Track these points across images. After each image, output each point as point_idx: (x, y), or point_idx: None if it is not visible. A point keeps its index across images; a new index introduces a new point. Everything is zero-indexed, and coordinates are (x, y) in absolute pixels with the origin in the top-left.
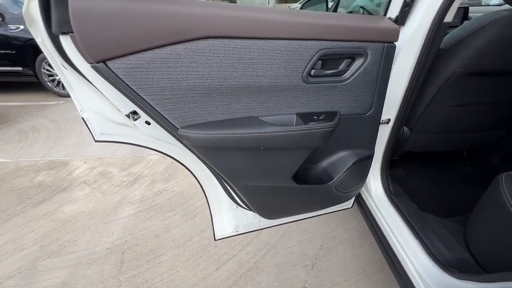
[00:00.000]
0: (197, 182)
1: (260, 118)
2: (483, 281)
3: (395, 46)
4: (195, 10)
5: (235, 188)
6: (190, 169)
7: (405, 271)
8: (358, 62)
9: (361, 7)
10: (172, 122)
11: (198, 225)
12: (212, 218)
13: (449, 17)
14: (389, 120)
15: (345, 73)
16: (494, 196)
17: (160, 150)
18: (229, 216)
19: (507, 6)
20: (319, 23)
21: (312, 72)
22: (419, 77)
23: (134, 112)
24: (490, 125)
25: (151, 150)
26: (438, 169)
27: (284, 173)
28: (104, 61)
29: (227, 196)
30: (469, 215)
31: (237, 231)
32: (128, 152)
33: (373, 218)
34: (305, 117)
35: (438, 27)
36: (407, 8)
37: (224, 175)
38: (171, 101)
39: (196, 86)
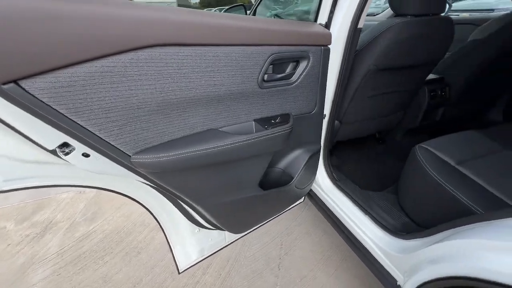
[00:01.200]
0: (138, 213)
1: (220, 129)
2: (425, 236)
3: (329, 49)
4: (142, 13)
5: (199, 209)
6: (140, 200)
7: (362, 244)
8: (303, 65)
9: (275, 15)
10: (122, 149)
11: (145, 262)
12: (172, 250)
13: (361, 24)
14: (325, 115)
15: (292, 76)
16: (414, 164)
17: (100, 187)
18: (192, 241)
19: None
20: (271, 28)
21: (265, 77)
22: (344, 76)
23: (65, 145)
24: (395, 109)
25: (61, 188)
26: (361, 151)
27: (251, 182)
28: (15, 81)
29: (188, 221)
30: (396, 184)
31: (203, 256)
32: (26, 196)
33: (325, 205)
34: (263, 122)
35: (354, 32)
36: (331, 15)
37: (187, 197)
38: (118, 124)
39: (148, 102)
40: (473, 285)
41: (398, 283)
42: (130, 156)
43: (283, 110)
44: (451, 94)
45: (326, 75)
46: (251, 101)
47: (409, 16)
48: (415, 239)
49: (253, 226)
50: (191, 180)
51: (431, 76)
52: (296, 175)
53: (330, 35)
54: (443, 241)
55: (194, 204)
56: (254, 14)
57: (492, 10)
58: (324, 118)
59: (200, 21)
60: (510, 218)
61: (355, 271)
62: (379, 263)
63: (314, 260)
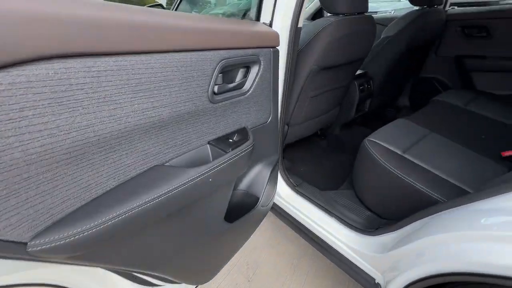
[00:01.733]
0: None
1: (168, 163)
2: (394, 230)
3: (278, 51)
4: (22, 7)
5: (154, 274)
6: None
7: (332, 246)
8: (254, 71)
9: None
10: (10, 239)
11: None
12: None
13: (300, 23)
14: None
15: (244, 84)
16: (366, 158)
17: None
18: None
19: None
20: (218, 28)
21: (216, 88)
22: (290, 78)
23: None
24: (333, 106)
25: None
26: (307, 150)
27: (216, 220)
28: None
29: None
30: (349, 179)
31: None
32: None
33: (287, 213)
34: (220, 144)
35: (296, 31)
36: (273, 13)
37: (135, 269)
38: None
39: (50, 149)
40: (464, 280)
41: (376, 281)
42: (26, 244)
43: (239, 124)
44: (374, 87)
45: (277, 79)
46: (203, 121)
47: (341, 15)
48: (385, 234)
49: (221, 267)
50: (138, 247)
51: (357, 72)
52: (262, 194)
53: (277, 36)
54: (420, 238)
55: (147, 272)
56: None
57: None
58: None
59: (123, 19)
60: (473, 203)
61: (328, 274)
62: (352, 262)
63: (283, 272)
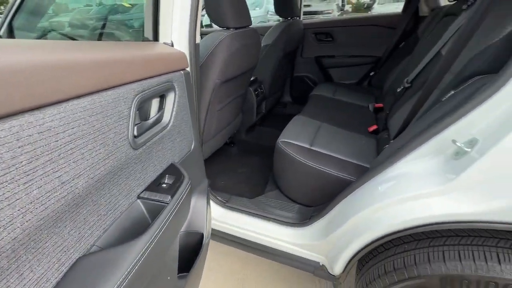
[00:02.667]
0: None
1: (95, 246)
2: (323, 215)
3: (189, 72)
4: None
5: None
6: None
7: (275, 248)
8: (171, 99)
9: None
10: None
11: None
12: None
13: (198, 39)
14: None
15: (163, 116)
16: (283, 157)
17: None
18: None
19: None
20: (124, 57)
21: (135, 130)
22: (198, 96)
23: None
24: (237, 114)
25: None
26: (222, 161)
27: (170, 282)
28: None
29: None
30: (271, 180)
31: None
32: None
33: (223, 232)
34: (154, 195)
35: (195, 48)
36: (175, 32)
37: None
38: None
39: None
40: (391, 239)
41: (321, 264)
42: None
43: (166, 162)
44: (265, 89)
45: (193, 103)
46: (127, 173)
47: (232, 29)
48: (317, 222)
49: None
50: None
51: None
52: (205, 229)
53: (185, 56)
54: (348, 218)
55: None
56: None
57: None
58: None
59: None
60: (374, 177)
61: (278, 276)
62: (296, 256)
63: None
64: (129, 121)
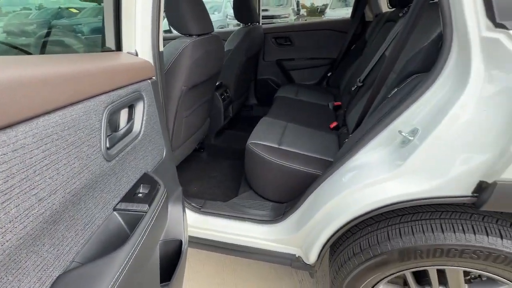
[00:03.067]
0: None
1: (75, 265)
2: (296, 209)
3: (157, 81)
4: None
5: None
6: None
7: (253, 247)
8: (140, 108)
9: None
10: None
11: None
12: None
13: (161, 47)
14: None
15: (133, 126)
16: (254, 158)
17: None
18: None
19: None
20: (92, 69)
21: (107, 142)
22: (166, 104)
23: None
24: (205, 119)
25: None
26: (193, 168)
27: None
28: None
29: None
30: (244, 181)
31: None
32: None
33: (199, 238)
34: (128, 206)
35: (159, 56)
36: (138, 41)
37: None
38: None
39: None
40: (356, 223)
41: (297, 255)
42: None
43: (140, 172)
44: (231, 93)
45: (162, 111)
46: (102, 186)
47: (194, 36)
48: (290, 216)
49: None
50: None
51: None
52: (183, 236)
53: (151, 65)
54: (318, 209)
55: None
56: None
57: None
58: None
59: None
60: (337, 170)
61: (256, 275)
62: (275, 251)
63: None
64: (101, 133)
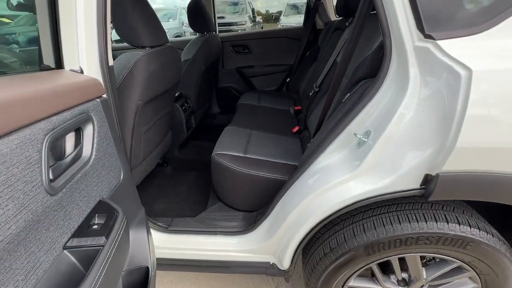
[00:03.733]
0: None
1: None
2: (266, 216)
3: (106, 99)
4: None
5: None
6: None
7: (226, 261)
8: (89, 131)
9: None
10: None
11: None
12: None
13: (111, 61)
14: None
15: (82, 151)
16: (221, 170)
17: None
18: None
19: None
20: (25, 94)
21: (51, 174)
22: (121, 121)
23: None
24: (166, 132)
25: None
26: (157, 184)
27: None
28: None
29: None
30: (213, 193)
31: None
32: None
33: (168, 259)
34: (81, 241)
35: (109, 71)
36: (83, 57)
37: None
38: None
39: None
40: (324, 224)
41: (271, 263)
42: None
43: (94, 200)
44: (192, 104)
45: (116, 130)
46: (47, 224)
47: (148, 48)
48: (261, 225)
49: None
50: None
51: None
52: (150, 262)
53: (99, 83)
54: (287, 215)
55: None
56: None
57: None
58: None
59: None
60: (302, 175)
61: (234, 287)
62: (249, 261)
63: None
64: (41, 165)
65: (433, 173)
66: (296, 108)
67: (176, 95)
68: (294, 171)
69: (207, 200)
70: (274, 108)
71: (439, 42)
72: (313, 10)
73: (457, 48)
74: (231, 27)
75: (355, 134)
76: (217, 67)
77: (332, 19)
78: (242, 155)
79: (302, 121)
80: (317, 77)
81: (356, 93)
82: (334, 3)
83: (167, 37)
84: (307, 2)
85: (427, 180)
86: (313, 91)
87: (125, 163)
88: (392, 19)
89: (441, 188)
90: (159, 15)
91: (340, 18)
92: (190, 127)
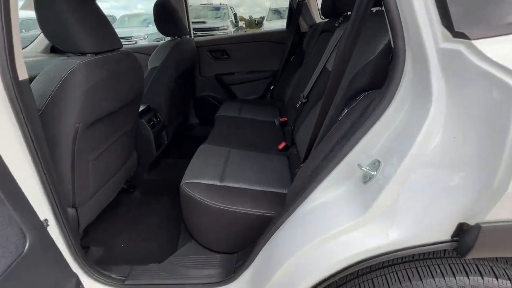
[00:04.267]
0: None
1: None
2: (249, 264)
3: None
4: None
5: None
6: None
7: None
8: None
9: None
10: None
11: None
12: None
13: (23, 75)
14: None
15: None
16: (191, 203)
17: None
18: None
19: None
20: None
21: None
22: (51, 149)
23: None
24: (128, 154)
25: None
26: (119, 216)
27: None
28: None
29: None
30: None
31: None
32: None
33: None
34: None
35: (17, 87)
36: None
37: None
38: None
39: None
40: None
41: None
42: None
43: None
44: (162, 117)
45: (13, 180)
46: None
47: (89, 55)
48: (243, 274)
49: None
50: None
51: (140, 109)
52: None
53: None
54: (276, 266)
55: None
56: None
57: (130, 37)
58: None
59: None
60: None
61: None
62: None
63: None
64: None
65: (472, 222)
66: (282, 119)
67: (141, 109)
68: (281, 200)
69: (179, 237)
70: (257, 120)
71: (475, 42)
72: (296, 11)
73: (501, 50)
74: (213, 32)
75: (359, 165)
76: (193, 74)
77: (317, 21)
78: (217, 183)
79: (288, 135)
80: (304, 85)
81: (356, 109)
82: (319, 4)
83: (119, 41)
84: (290, 3)
85: (462, 230)
86: (300, 103)
87: (36, 221)
88: (407, 14)
89: (485, 243)
90: (139, 20)
91: (326, 19)
92: (161, 144)
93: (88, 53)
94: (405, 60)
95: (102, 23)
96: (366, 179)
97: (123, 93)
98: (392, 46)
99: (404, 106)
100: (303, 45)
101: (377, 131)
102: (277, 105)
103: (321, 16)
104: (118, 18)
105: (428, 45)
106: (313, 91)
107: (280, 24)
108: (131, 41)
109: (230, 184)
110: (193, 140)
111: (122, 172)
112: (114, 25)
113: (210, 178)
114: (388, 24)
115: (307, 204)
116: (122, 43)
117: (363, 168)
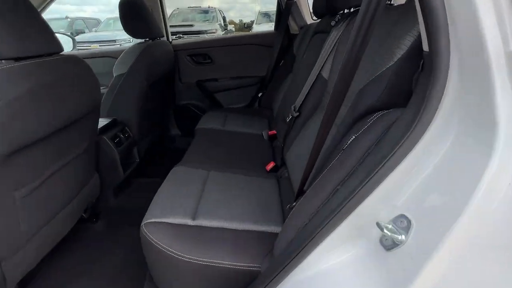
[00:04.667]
0: None
1: None
2: None
3: None
4: None
5: None
6: None
7: None
8: None
9: None
10: None
11: None
12: None
13: None
14: None
15: None
16: (151, 250)
17: None
18: None
19: None
20: None
21: None
22: None
23: None
24: (83, 182)
25: None
26: (79, 252)
27: None
28: None
29: None
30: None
31: None
32: None
33: None
34: None
35: None
36: None
37: None
38: None
39: None
40: None
41: None
42: None
43: None
44: (133, 131)
45: None
46: None
47: (3, 61)
48: None
49: None
50: None
51: (101, 123)
52: None
53: None
54: None
55: None
56: None
57: (114, 41)
58: None
59: None
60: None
61: None
62: None
63: None
64: None
65: None
66: (270, 132)
67: (103, 124)
68: (269, 244)
69: (143, 285)
70: (243, 133)
71: None
72: (285, 11)
73: None
74: (201, 36)
75: (378, 224)
76: (172, 81)
77: (309, 22)
78: (189, 222)
79: (278, 151)
80: (295, 93)
81: (368, 136)
82: (310, 4)
83: (59, 45)
84: (278, 2)
85: None
86: (291, 116)
87: None
88: (457, 3)
89: None
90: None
91: (319, 20)
92: (131, 162)
93: (2, 59)
94: (448, 68)
95: (32, 24)
96: (388, 242)
97: (65, 108)
98: (425, 49)
99: (449, 134)
100: (293, 49)
101: (406, 170)
102: (265, 115)
103: (313, 17)
104: (103, 21)
105: (492, 47)
106: (306, 103)
107: (270, 27)
108: (115, 44)
109: (205, 223)
110: (173, 154)
111: (77, 201)
112: (98, 28)
113: (180, 215)
114: (421, 16)
115: (304, 270)
116: (105, 46)
117: (385, 230)
